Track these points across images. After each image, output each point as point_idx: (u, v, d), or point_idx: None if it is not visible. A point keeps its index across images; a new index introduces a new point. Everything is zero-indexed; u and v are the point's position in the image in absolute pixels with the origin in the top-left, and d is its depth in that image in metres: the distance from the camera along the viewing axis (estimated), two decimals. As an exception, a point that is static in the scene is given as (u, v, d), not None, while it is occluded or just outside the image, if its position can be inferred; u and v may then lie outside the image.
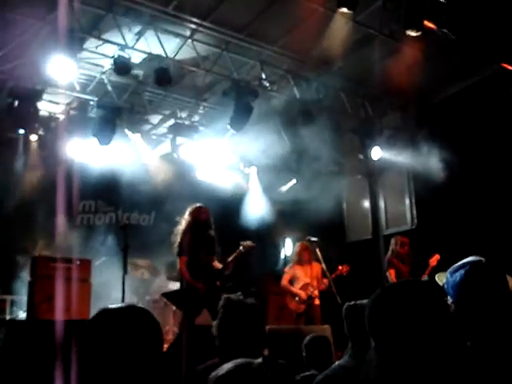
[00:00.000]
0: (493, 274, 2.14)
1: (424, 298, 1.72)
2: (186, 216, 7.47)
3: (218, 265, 7.53)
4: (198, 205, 7.58)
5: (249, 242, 7.96)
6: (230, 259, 7.63)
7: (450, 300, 2.16)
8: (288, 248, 11.44)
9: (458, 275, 2.15)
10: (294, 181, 12.41)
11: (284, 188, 12.62)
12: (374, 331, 1.76)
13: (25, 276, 8.67)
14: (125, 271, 7.69)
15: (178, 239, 7.38)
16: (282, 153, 11.71)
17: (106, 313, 1.86)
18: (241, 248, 7.73)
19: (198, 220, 7.41)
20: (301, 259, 8.96)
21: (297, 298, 8.76)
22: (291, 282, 8.95)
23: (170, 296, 8.53)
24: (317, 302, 8.84)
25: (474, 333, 2.07)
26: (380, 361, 1.73)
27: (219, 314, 3.13)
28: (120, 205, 11.77)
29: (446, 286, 2.19)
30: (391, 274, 8.80)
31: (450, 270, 2.21)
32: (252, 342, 3.00)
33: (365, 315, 1.80)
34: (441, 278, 2.49)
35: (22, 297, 8.65)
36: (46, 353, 4.76)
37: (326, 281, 8.65)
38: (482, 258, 2.21)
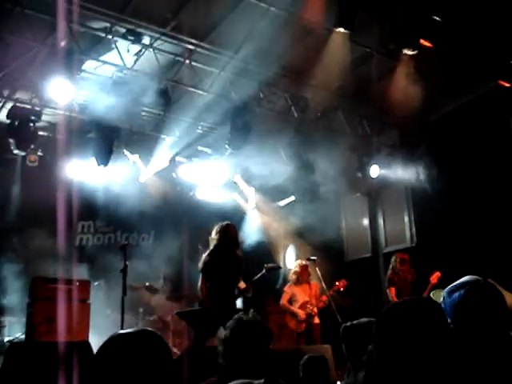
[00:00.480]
0: (491, 295, 2.14)
1: (427, 315, 1.73)
2: (214, 234, 7.41)
3: (242, 285, 7.43)
4: (226, 222, 7.53)
5: (272, 264, 7.98)
6: (253, 280, 7.61)
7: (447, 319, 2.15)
8: (287, 266, 11.42)
9: (456, 295, 2.15)
10: (292, 197, 12.41)
11: (281, 203, 12.61)
12: (380, 346, 1.76)
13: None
14: (124, 292, 7.66)
15: (204, 256, 7.33)
16: (281, 172, 11.74)
17: (119, 337, 1.86)
18: (264, 271, 7.73)
19: (227, 238, 7.35)
20: (300, 278, 8.96)
21: (297, 318, 8.75)
22: (290, 301, 8.94)
23: (184, 315, 8.49)
24: (316, 320, 8.82)
25: (471, 353, 2.07)
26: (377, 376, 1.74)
27: (228, 331, 3.11)
28: (119, 225, 11.75)
29: (443, 306, 2.19)
30: (391, 292, 8.78)
31: (447, 289, 2.20)
32: (256, 363, 2.99)
33: (372, 332, 1.81)
34: (436, 296, 2.50)
35: (21, 318, 8.60)
36: (46, 374, 4.74)
37: (324, 298, 8.65)
38: (480, 278, 2.21)
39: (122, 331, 1.89)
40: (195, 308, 7.74)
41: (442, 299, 2.22)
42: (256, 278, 7.68)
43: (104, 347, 1.85)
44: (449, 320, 2.12)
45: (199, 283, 7.27)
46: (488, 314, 2.09)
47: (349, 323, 3.28)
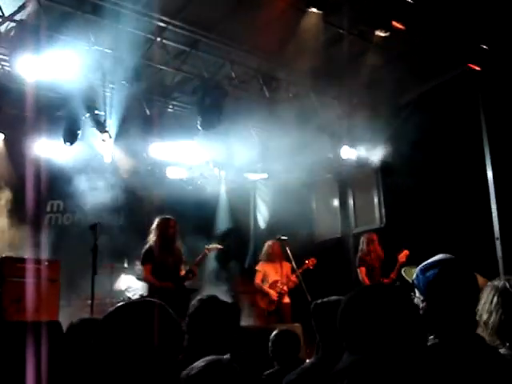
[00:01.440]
0: (465, 273, 2.18)
1: (393, 301, 1.78)
2: (154, 227, 7.50)
3: (182, 272, 7.59)
4: (165, 217, 7.59)
5: (214, 245, 8.06)
6: (196, 262, 7.71)
7: (420, 297, 2.20)
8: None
9: (430, 273, 2.17)
10: (265, 175, 12.40)
11: (251, 176, 12.57)
12: (345, 331, 1.80)
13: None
14: (94, 272, 7.64)
15: (145, 249, 7.44)
16: (251, 153, 11.74)
17: (123, 308, 1.86)
18: (205, 251, 7.82)
19: (165, 234, 7.46)
20: (271, 257, 9.03)
21: (268, 297, 8.82)
22: (262, 280, 9.01)
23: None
24: (287, 300, 8.91)
25: (443, 329, 2.12)
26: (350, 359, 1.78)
27: (191, 310, 3.13)
28: (88, 204, 11.62)
29: (416, 283, 2.22)
30: (361, 272, 8.92)
31: (420, 267, 2.23)
32: (221, 340, 3.01)
33: (337, 316, 1.85)
34: (407, 273, 2.54)
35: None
36: (15, 354, 4.70)
37: (294, 278, 8.75)
38: (453, 256, 2.25)
39: (124, 302, 1.89)
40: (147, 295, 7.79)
41: (414, 276, 2.25)
42: (197, 259, 7.77)
43: (110, 317, 1.84)
44: (422, 297, 2.18)
45: (143, 274, 7.45)
46: (462, 291, 2.13)
47: (319, 300, 3.31)
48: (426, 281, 2.18)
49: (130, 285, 10.57)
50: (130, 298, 9.17)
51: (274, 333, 4.87)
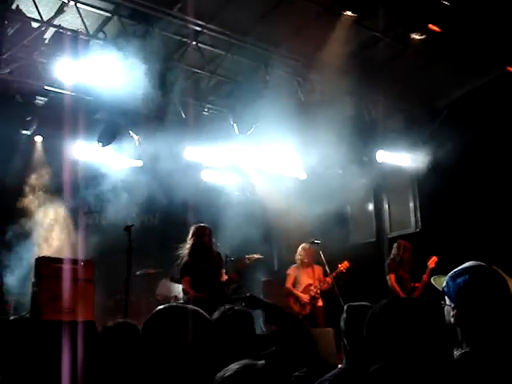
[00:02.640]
0: (495, 280, 2.15)
1: (422, 317, 1.78)
2: (190, 236, 7.55)
3: (224, 278, 7.58)
4: (201, 225, 7.63)
5: (255, 255, 8.08)
6: (234, 271, 7.71)
7: (450, 305, 2.17)
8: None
9: (461, 280, 2.16)
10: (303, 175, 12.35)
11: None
12: (372, 341, 1.80)
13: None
14: (129, 272, 7.71)
15: (182, 261, 7.49)
16: (285, 157, 11.74)
17: (162, 312, 1.94)
18: (245, 261, 7.81)
19: (201, 242, 7.48)
20: (304, 261, 8.99)
21: (300, 301, 8.80)
22: (294, 284, 8.99)
23: None
24: (320, 303, 8.87)
25: (475, 337, 2.08)
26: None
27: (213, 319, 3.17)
28: (124, 205, 11.75)
29: (445, 290, 2.20)
30: (391, 279, 8.83)
31: (450, 274, 2.21)
32: (240, 348, 3.04)
33: (365, 324, 1.86)
34: (437, 282, 2.51)
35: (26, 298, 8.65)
36: (50, 353, 4.78)
37: (328, 279, 8.70)
38: (483, 263, 2.22)
39: (168, 306, 1.97)
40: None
41: (444, 284, 2.22)
42: (237, 269, 7.77)
43: (152, 320, 1.92)
44: (452, 305, 2.16)
45: (184, 287, 7.47)
46: (492, 298, 2.10)
47: (354, 303, 3.28)
48: (456, 288, 2.16)
49: (165, 287, 10.66)
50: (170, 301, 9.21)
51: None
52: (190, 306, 1.94)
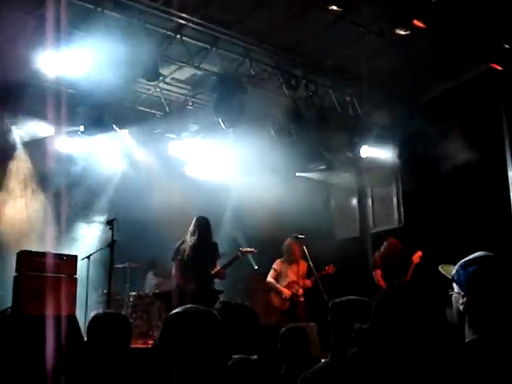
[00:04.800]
0: (505, 269, 2.21)
1: (427, 299, 1.84)
2: (192, 227, 7.61)
3: (217, 269, 7.62)
4: (202, 217, 7.66)
5: (248, 249, 8.10)
6: (225, 264, 7.72)
7: (460, 292, 2.23)
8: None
9: (471, 269, 2.22)
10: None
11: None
12: (378, 326, 1.84)
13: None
14: (111, 266, 7.69)
15: (176, 245, 7.52)
16: (271, 151, 11.73)
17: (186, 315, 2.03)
18: (238, 254, 7.83)
19: (202, 232, 7.54)
20: (291, 257, 8.99)
21: (282, 297, 8.81)
22: (277, 278, 8.99)
23: (160, 296, 8.58)
24: (301, 299, 8.88)
25: (483, 325, 2.14)
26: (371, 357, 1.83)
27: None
28: (107, 200, 11.69)
29: (456, 278, 2.27)
30: (377, 274, 8.84)
31: (461, 262, 2.29)
32: (241, 342, 3.02)
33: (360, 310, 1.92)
34: (445, 269, 2.58)
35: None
36: (33, 348, 4.74)
37: (308, 282, 8.74)
38: (492, 254, 2.28)
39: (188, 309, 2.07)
40: (170, 290, 7.82)
41: (454, 272, 2.29)
42: (229, 261, 7.79)
43: (169, 322, 2.01)
44: (462, 292, 2.21)
45: (173, 271, 7.49)
46: (502, 287, 2.18)
47: (338, 300, 3.29)
48: (466, 276, 2.22)
49: (147, 282, 10.65)
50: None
51: (283, 330, 4.85)
52: (204, 309, 2.03)
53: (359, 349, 2.56)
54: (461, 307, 2.19)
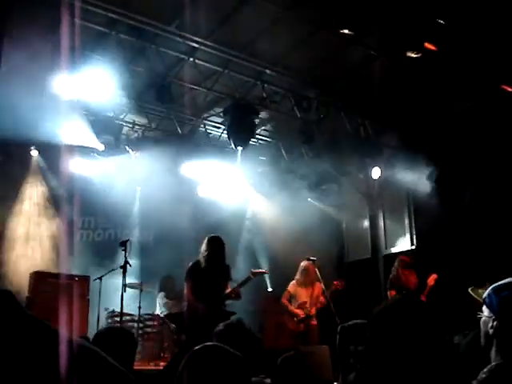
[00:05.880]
0: None
1: (416, 313, 1.84)
2: (205, 247, 7.53)
3: (229, 290, 7.55)
4: (216, 236, 7.63)
5: (260, 270, 8.09)
6: (237, 285, 7.69)
7: (490, 316, 2.24)
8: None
9: (505, 293, 2.23)
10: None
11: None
12: (373, 346, 1.84)
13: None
14: (124, 288, 7.70)
15: (190, 265, 7.50)
16: (281, 172, 11.79)
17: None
18: (250, 275, 7.79)
19: (215, 252, 7.43)
20: (305, 279, 8.95)
21: (295, 318, 8.77)
22: (290, 300, 8.96)
23: (172, 317, 8.56)
24: (314, 322, 8.84)
25: (510, 349, 2.15)
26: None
27: (216, 333, 3.12)
28: (119, 221, 11.75)
29: (487, 301, 2.28)
30: (391, 295, 8.77)
31: (494, 286, 2.30)
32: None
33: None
34: (475, 293, 2.60)
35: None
36: (45, 368, 4.74)
37: (322, 299, 8.68)
38: None
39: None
40: (181, 311, 7.77)
41: (486, 295, 2.29)
42: (241, 282, 7.75)
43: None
44: (493, 316, 2.21)
45: (185, 291, 7.45)
46: None
47: (346, 324, 3.28)
48: (499, 299, 2.24)
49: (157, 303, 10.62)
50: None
51: (279, 360, 4.78)
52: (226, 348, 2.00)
53: (357, 372, 2.54)
54: (490, 331, 2.20)
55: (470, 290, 3.13)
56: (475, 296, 2.44)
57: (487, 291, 2.30)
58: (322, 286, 8.51)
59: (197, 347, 1.97)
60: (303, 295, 8.92)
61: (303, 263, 9.08)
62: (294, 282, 9.13)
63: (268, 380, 2.23)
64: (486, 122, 9.19)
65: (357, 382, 2.29)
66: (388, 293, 8.93)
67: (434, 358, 1.77)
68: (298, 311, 8.79)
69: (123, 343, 3.32)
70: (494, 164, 9.12)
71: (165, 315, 9.38)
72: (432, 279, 8.39)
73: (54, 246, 9.95)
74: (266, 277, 11.31)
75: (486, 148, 9.20)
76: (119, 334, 3.41)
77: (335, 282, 8.84)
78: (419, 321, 1.83)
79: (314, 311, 8.80)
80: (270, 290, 11.08)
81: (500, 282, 2.30)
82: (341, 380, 3.19)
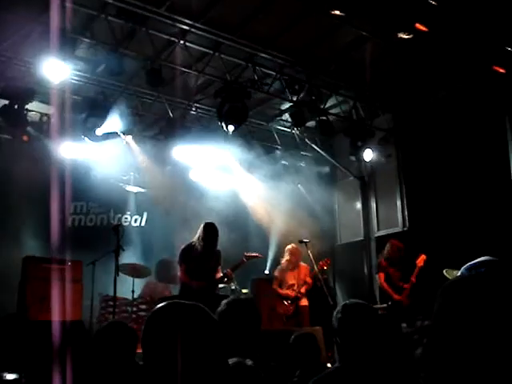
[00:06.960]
0: (510, 273, 2.22)
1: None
2: (200, 232, 7.62)
3: (219, 275, 7.67)
4: (211, 222, 7.67)
5: (254, 253, 8.11)
6: (230, 268, 7.74)
7: None
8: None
9: (481, 270, 2.22)
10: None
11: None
12: (444, 322, 1.83)
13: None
14: (116, 272, 7.70)
15: (182, 248, 7.54)
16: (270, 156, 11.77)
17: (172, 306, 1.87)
18: (244, 259, 7.84)
19: (209, 238, 7.55)
20: (289, 263, 9.02)
21: (285, 302, 8.83)
22: (280, 285, 9.04)
23: (167, 300, 8.56)
24: (304, 302, 8.90)
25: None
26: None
27: (223, 306, 3.10)
28: (111, 206, 11.73)
29: None
30: (380, 278, 8.84)
31: (466, 266, 2.28)
32: (246, 343, 3.00)
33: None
34: (450, 274, 2.60)
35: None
36: (40, 353, 4.75)
37: (309, 280, 8.80)
38: (497, 259, 2.29)
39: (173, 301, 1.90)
40: (176, 294, 7.83)
41: (459, 275, 2.29)
42: (234, 265, 7.81)
43: (156, 315, 1.83)
44: None
45: (179, 274, 7.51)
46: (507, 291, 2.17)
47: (349, 302, 3.26)
48: None
49: (149, 288, 10.62)
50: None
51: (292, 337, 4.84)
52: (191, 303, 1.86)
53: (425, 347, 2.51)
54: None
55: (444, 271, 3.16)
56: (449, 277, 2.46)
57: (460, 270, 2.30)
58: (315, 267, 8.56)
59: (159, 305, 1.87)
60: (290, 278, 9.00)
61: (287, 247, 9.16)
62: (279, 266, 9.21)
63: (249, 361, 2.19)
64: (478, 103, 9.20)
65: (425, 356, 2.27)
66: (377, 276, 9.00)
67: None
68: (288, 291, 8.87)
69: (125, 338, 3.34)
70: (486, 146, 9.15)
71: (159, 298, 9.37)
72: (421, 260, 8.42)
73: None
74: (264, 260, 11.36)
75: (479, 129, 9.22)
76: (121, 330, 3.43)
77: (320, 263, 8.89)
78: (496, 297, 1.79)
79: (303, 290, 8.86)
80: (266, 272, 11.12)
81: (472, 262, 2.30)
82: (339, 361, 3.18)
